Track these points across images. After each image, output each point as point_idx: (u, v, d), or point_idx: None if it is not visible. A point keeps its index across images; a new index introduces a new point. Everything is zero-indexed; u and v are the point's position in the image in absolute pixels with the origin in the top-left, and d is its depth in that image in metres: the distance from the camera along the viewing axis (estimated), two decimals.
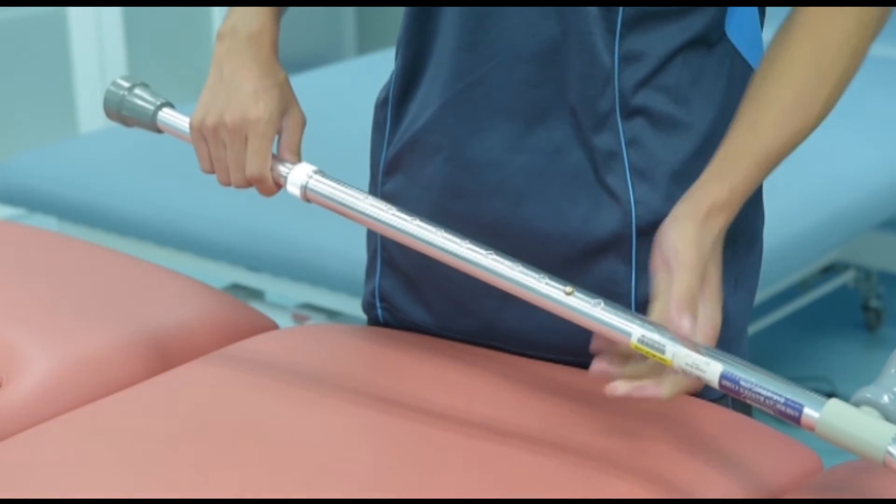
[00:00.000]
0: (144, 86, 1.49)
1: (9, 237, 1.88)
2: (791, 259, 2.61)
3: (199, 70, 4.31)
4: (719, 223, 1.29)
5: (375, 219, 1.36)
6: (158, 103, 1.47)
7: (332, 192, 1.38)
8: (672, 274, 1.25)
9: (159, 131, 1.48)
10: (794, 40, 1.33)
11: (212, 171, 1.42)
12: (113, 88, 1.48)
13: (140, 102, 1.47)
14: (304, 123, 1.42)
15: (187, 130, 1.43)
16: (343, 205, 1.37)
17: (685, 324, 1.21)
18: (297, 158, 1.41)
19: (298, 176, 1.39)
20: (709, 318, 1.24)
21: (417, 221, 1.34)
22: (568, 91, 1.39)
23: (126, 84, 1.49)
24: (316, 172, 1.39)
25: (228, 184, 1.41)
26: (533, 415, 1.39)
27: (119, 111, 1.49)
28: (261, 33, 1.41)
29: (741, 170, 1.30)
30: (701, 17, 1.38)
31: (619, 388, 1.23)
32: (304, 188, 1.39)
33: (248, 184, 1.40)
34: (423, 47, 1.46)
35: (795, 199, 2.64)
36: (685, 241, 1.26)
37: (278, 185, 1.40)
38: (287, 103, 1.41)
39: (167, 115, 1.47)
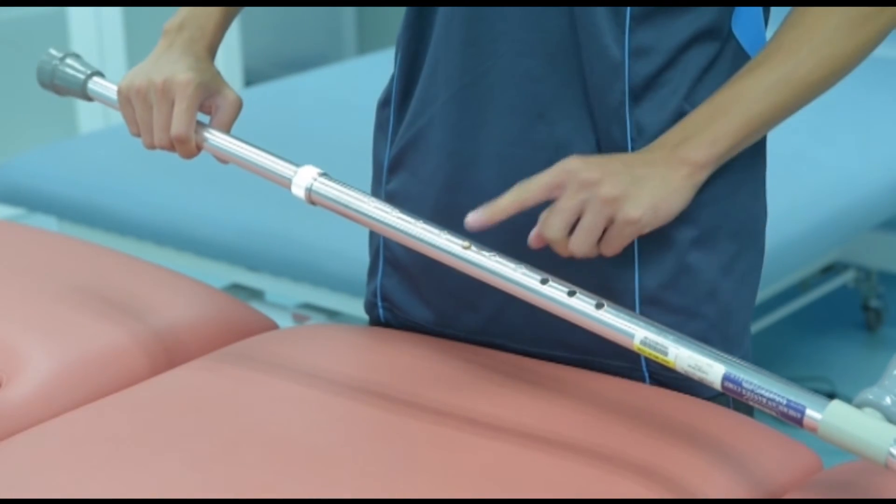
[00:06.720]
0: (76, 56, 1.55)
1: (9, 237, 1.87)
2: (791, 259, 2.61)
3: None
4: (675, 140, 1.32)
5: (380, 221, 1.36)
6: (89, 72, 1.54)
7: (337, 195, 1.39)
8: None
9: (90, 99, 1.54)
10: (789, 29, 1.34)
11: (138, 134, 1.47)
12: (45, 58, 1.55)
13: (71, 72, 1.54)
14: (239, 105, 1.48)
15: (116, 98, 1.49)
16: (348, 207, 1.38)
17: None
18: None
19: (303, 178, 1.39)
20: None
21: (421, 224, 1.34)
22: (574, 86, 1.39)
23: (58, 54, 1.55)
24: (321, 175, 1.40)
25: (152, 145, 1.46)
26: (535, 413, 1.39)
27: (52, 80, 1.55)
28: (202, 38, 1.48)
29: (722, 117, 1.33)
30: (709, 11, 1.38)
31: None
32: (309, 190, 1.39)
33: (171, 145, 1.45)
34: (424, 44, 1.46)
35: (795, 198, 2.64)
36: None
37: (199, 148, 1.45)
38: (219, 86, 1.47)
39: (97, 84, 1.53)
